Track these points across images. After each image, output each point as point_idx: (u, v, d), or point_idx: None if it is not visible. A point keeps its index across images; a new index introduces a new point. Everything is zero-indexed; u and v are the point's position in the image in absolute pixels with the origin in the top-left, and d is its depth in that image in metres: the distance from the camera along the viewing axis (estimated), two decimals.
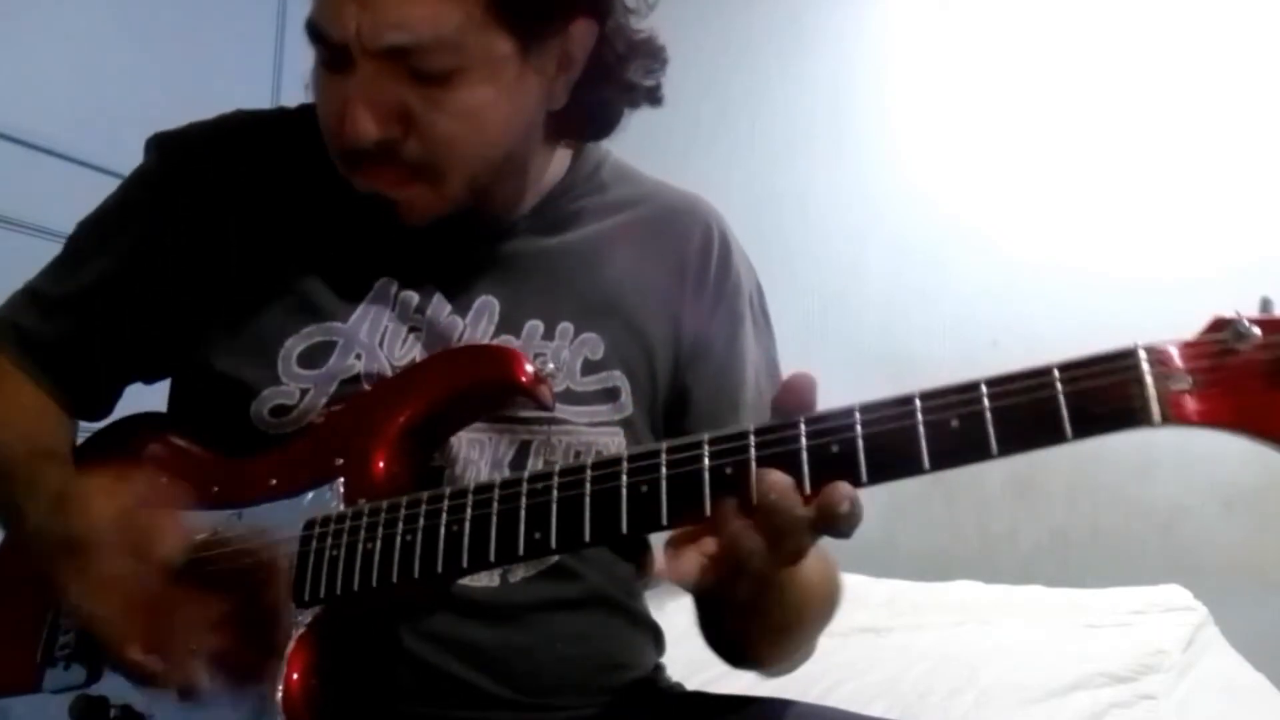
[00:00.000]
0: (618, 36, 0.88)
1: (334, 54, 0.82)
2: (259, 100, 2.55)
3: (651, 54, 0.92)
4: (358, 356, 0.88)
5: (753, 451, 0.66)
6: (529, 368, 0.82)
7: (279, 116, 1.00)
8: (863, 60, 2.79)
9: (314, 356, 0.88)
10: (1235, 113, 2.35)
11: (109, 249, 0.96)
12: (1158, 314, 2.19)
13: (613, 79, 0.91)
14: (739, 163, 2.79)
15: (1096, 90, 2.49)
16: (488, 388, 0.83)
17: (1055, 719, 1.42)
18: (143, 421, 0.98)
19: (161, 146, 0.98)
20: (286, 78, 2.49)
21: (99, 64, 2.27)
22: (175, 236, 0.94)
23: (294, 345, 0.88)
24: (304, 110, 0.98)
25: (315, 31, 0.82)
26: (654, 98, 0.94)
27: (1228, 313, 0.59)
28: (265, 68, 2.51)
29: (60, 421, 0.96)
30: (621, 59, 0.90)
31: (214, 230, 0.93)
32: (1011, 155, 2.56)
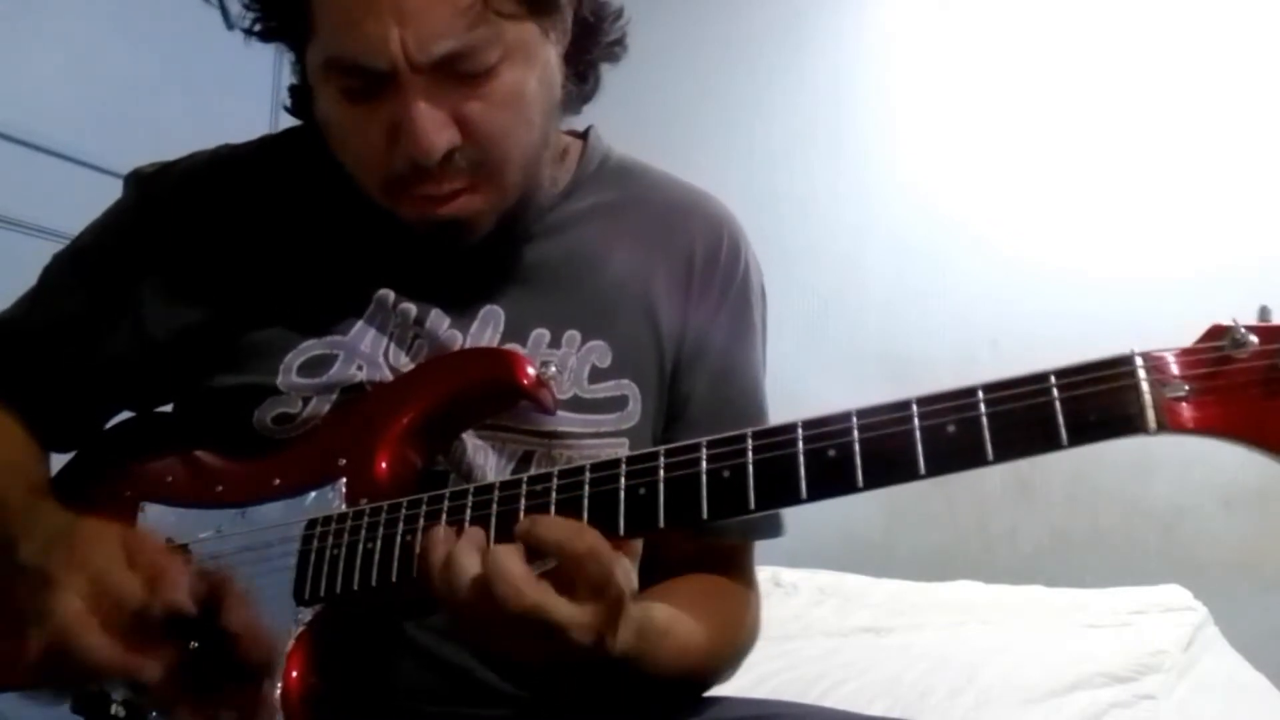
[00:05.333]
0: None
1: (369, 82, 0.80)
2: (258, 97, 2.56)
3: (610, 7, 0.94)
4: (359, 367, 0.88)
5: (750, 456, 0.66)
6: (530, 370, 0.82)
7: (261, 146, 1.00)
8: (863, 60, 2.79)
9: (315, 367, 0.88)
10: (1234, 113, 2.36)
11: (82, 286, 0.96)
12: (1157, 314, 2.20)
13: (595, 39, 0.92)
14: (739, 163, 2.80)
15: (1096, 91, 2.49)
16: (490, 389, 0.84)
17: (1055, 719, 1.42)
18: (147, 422, 0.98)
19: (139, 185, 0.97)
20: (286, 76, 2.49)
21: (99, 64, 2.27)
22: (152, 276, 0.93)
23: (294, 359, 0.88)
24: (287, 135, 0.98)
25: (342, 64, 0.81)
26: (623, 47, 0.96)
27: (1225, 320, 0.59)
28: (265, 66, 2.51)
29: (40, 451, 0.96)
30: (596, 17, 0.92)
31: (197, 266, 0.93)
32: (1011, 155, 2.56)
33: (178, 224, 0.94)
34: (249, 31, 0.89)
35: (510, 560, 0.67)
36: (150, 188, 0.97)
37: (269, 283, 0.92)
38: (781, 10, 2.87)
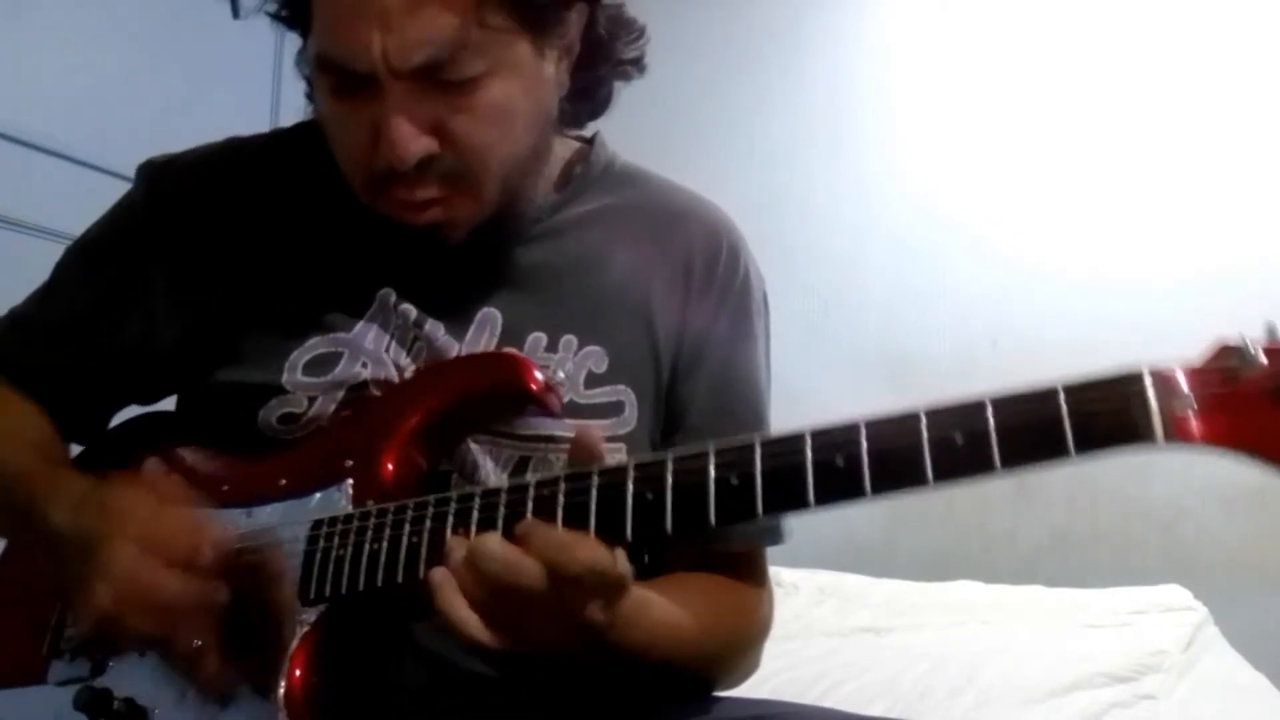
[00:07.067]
0: (602, 15, 0.90)
1: (355, 82, 0.81)
2: (258, 97, 2.56)
3: (630, 27, 0.94)
4: (364, 365, 0.88)
5: (758, 463, 0.66)
6: (539, 375, 0.82)
7: (272, 139, 1.00)
8: (863, 60, 2.79)
9: (320, 365, 0.88)
10: (1234, 113, 2.36)
11: (94, 279, 0.96)
12: (1157, 314, 2.21)
13: (606, 57, 0.92)
14: (739, 163, 2.80)
15: (1096, 91, 2.49)
16: (498, 393, 0.84)
17: (1055, 719, 1.42)
18: (152, 422, 0.98)
19: (149, 176, 0.98)
20: (286, 76, 2.50)
21: (99, 64, 2.27)
22: (163, 266, 0.94)
23: (299, 357, 0.88)
24: (298, 129, 0.98)
25: (329, 63, 0.82)
26: (640, 67, 0.96)
27: (1233, 339, 0.60)
28: (265, 66, 2.51)
29: (59, 435, 0.97)
30: (611, 36, 0.92)
31: (206, 257, 0.93)
32: (1011, 156, 2.56)
33: (187, 214, 0.95)
34: (273, 16, 0.89)
35: (492, 541, 0.69)
36: (160, 178, 0.97)
37: (274, 277, 0.92)
38: (781, 10, 2.87)
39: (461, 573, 0.69)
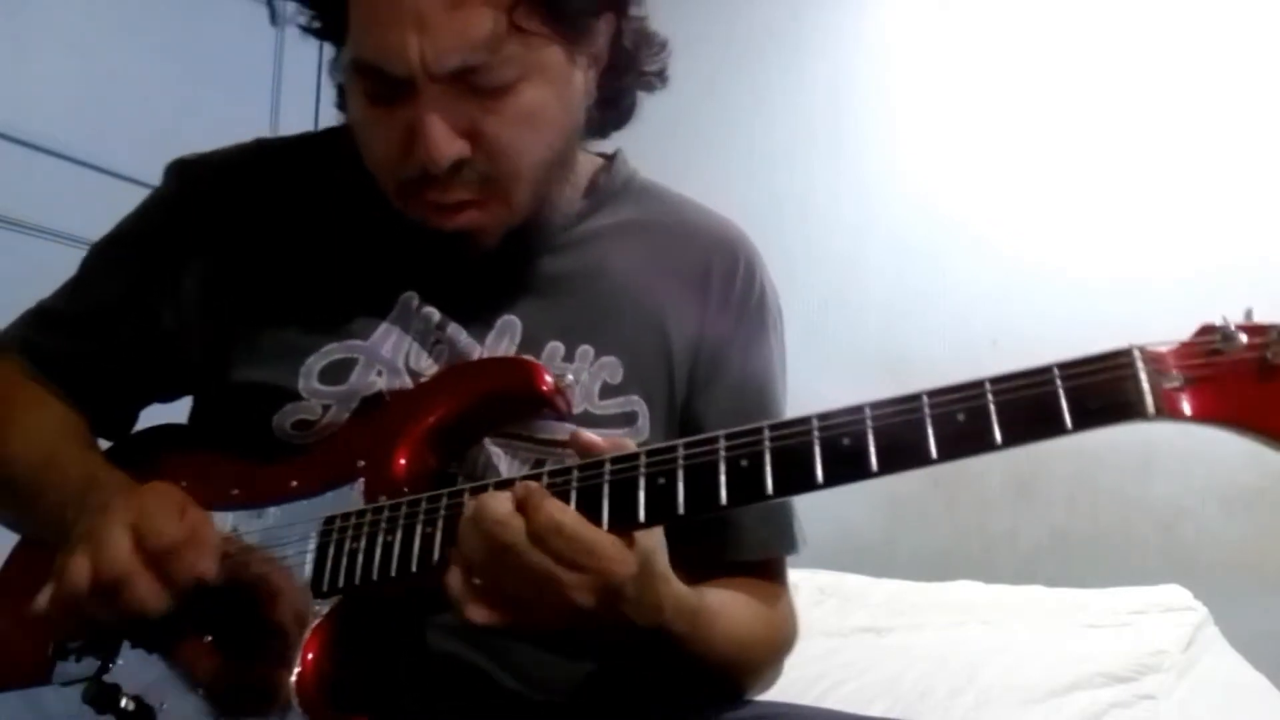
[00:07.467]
0: (628, 27, 0.92)
1: (390, 86, 0.82)
2: (258, 97, 2.56)
3: (653, 40, 0.96)
4: (379, 374, 0.89)
5: (767, 444, 0.68)
6: (549, 378, 0.84)
7: (299, 141, 1.02)
8: (863, 60, 2.79)
9: (335, 373, 0.89)
10: (1233, 114, 2.36)
11: (121, 272, 0.98)
12: (1156, 314, 2.19)
13: (630, 67, 0.94)
14: (739, 163, 2.80)
15: (1096, 91, 2.49)
16: (509, 396, 0.85)
17: (1055, 719, 1.43)
18: (164, 433, 1.00)
19: (180, 173, 1.00)
20: (287, 77, 2.50)
21: (99, 64, 2.27)
22: (190, 262, 0.95)
23: (315, 363, 0.90)
24: (325, 134, 1.00)
25: (366, 68, 0.83)
26: (662, 79, 0.98)
27: (1216, 319, 0.63)
28: (266, 67, 2.51)
29: (88, 426, 0.98)
30: (636, 47, 0.93)
31: (231, 255, 0.95)
32: (1011, 156, 2.56)
33: (215, 212, 0.96)
34: (303, 29, 0.91)
35: (495, 499, 0.70)
36: (188, 176, 0.99)
37: (297, 277, 0.93)
38: (781, 10, 2.86)
39: (467, 530, 0.71)
